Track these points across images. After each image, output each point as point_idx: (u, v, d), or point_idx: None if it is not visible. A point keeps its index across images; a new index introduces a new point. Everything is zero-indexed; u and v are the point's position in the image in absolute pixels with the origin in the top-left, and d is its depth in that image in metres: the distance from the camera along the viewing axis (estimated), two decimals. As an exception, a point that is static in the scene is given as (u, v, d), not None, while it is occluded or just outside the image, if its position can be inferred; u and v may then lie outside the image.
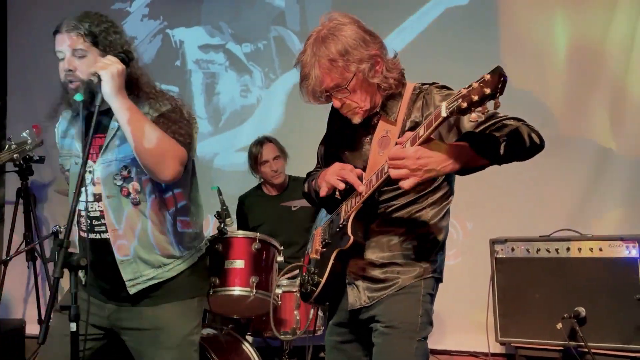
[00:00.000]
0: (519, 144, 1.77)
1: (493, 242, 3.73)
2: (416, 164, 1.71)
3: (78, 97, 1.99)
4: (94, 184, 2.17)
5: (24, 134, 3.83)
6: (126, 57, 2.09)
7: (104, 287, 2.20)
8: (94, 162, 2.17)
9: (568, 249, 3.53)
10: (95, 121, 1.94)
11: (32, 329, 4.73)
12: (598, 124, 4.13)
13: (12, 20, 5.59)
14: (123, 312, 2.22)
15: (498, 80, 1.53)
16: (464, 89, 1.59)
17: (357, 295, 2.05)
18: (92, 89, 2.03)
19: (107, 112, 2.12)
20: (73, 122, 2.30)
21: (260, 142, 4.07)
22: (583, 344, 3.31)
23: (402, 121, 1.98)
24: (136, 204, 2.18)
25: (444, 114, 1.62)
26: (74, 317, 1.83)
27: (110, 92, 2.01)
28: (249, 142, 4.20)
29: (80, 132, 2.16)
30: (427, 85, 2.02)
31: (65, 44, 2.12)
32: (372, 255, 2.03)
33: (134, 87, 2.15)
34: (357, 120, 1.99)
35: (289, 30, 4.97)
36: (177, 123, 2.15)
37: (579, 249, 3.51)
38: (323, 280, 2.04)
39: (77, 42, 2.11)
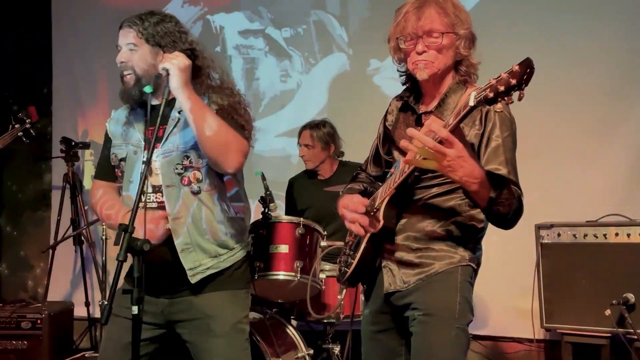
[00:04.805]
0: (510, 218, 1.94)
1: (538, 228, 3.67)
2: (448, 162, 1.72)
3: (148, 89, 2.13)
4: (150, 175, 2.22)
5: (21, 115, 4.36)
6: (192, 53, 2.20)
7: (158, 280, 2.22)
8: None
9: (616, 234, 3.46)
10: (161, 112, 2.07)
11: (80, 311, 4.86)
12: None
13: (56, 12, 5.67)
14: (175, 305, 2.27)
15: (524, 72, 1.57)
16: (493, 79, 1.61)
17: (392, 279, 2.04)
18: (159, 82, 2.17)
19: (169, 104, 2.19)
20: (128, 116, 2.36)
21: (304, 126, 4.07)
22: (632, 330, 3.25)
23: None
24: (196, 192, 2.23)
25: (471, 103, 1.64)
26: (137, 300, 1.88)
27: (177, 86, 2.10)
28: (289, 127, 4.20)
29: (142, 121, 2.28)
30: None
31: (121, 38, 2.26)
32: (407, 240, 2.02)
33: (198, 79, 2.25)
34: (423, 75, 1.98)
35: (329, 15, 4.94)
36: (239, 115, 2.25)
37: (628, 235, 3.43)
38: (354, 262, 2.08)
39: (130, 38, 2.24)
